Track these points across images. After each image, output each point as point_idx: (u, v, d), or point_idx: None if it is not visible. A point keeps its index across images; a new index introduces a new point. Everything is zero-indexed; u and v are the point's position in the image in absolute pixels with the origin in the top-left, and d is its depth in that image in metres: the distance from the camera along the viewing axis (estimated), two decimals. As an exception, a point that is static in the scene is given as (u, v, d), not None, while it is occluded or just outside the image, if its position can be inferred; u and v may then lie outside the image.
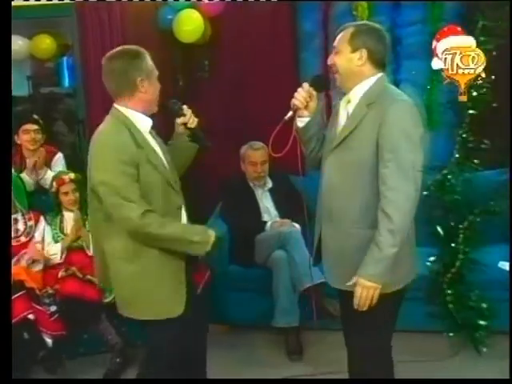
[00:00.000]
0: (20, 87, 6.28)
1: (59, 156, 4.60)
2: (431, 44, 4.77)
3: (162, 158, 2.76)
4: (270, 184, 4.66)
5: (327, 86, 2.94)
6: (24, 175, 4.46)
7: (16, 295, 3.79)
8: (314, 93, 2.78)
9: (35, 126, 4.45)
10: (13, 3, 5.02)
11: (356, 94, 2.66)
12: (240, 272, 4.36)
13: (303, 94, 2.75)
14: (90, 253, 4.08)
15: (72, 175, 4.22)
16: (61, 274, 4.01)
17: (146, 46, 4.74)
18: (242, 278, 4.35)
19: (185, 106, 2.96)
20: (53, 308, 3.90)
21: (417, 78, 4.75)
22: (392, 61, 4.77)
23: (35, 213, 4.27)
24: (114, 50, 2.77)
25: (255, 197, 4.58)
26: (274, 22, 5.00)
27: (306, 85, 2.76)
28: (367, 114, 2.57)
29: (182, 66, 5.10)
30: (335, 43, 2.69)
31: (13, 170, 4.32)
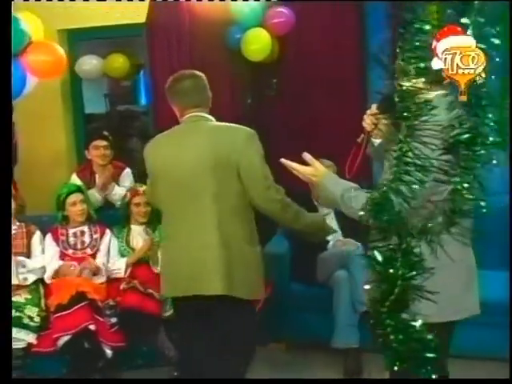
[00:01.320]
0: (97, 105, 6.50)
1: (127, 171, 4.71)
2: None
3: None
4: (334, 202, 4.61)
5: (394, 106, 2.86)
6: (93, 191, 4.59)
7: (78, 306, 3.88)
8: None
9: (104, 142, 4.59)
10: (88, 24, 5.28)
11: None
12: (301, 290, 4.32)
13: (371, 118, 2.68)
14: (155, 269, 4.18)
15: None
16: (122, 286, 4.10)
17: (214, 64, 4.95)
18: (303, 296, 4.31)
19: None
20: (113, 319, 3.98)
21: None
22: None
23: (101, 226, 4.38)
24: (191, 71, 3.24)
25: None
26: (342, 40, 4.96)
27: (373, 107, 2.67)
28: None
29: (250, 84, 5.14)
30: None
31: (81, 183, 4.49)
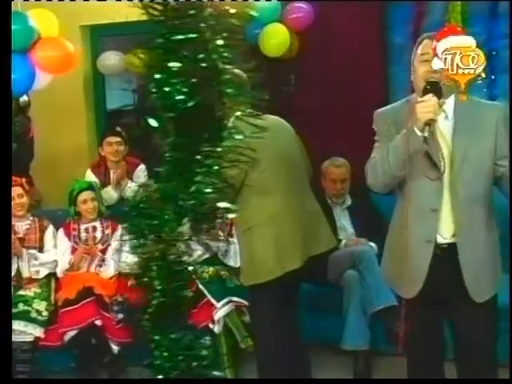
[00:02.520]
0: (124, 100, 6.52)
1: (141, 167, 4.71)
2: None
3: None
4: (349, 201, 4.53)
5: (441, 93, 2.64)
6: (109, 189, 4.61)
7: (85, 301, 3.91)
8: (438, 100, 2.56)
9: (118, 139, 4.60)
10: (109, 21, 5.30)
11: (449, 107, 2.67)
12: (311, 290, 4.24)
13: (436, 106, 2.54)
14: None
15: None
16: (130, 282, 4.10)
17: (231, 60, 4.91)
18: (313, 296, 4.23)
19: None
20: (120, 315, 3.99)
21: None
22: (487, 74, 4.53)
23: (113, 222, 4.39)
24: None
25: (332, 214, 4.45)
26: (363, 35, 4.88)
27: (430, 96, 2.54)
28: (477, 123, 2.63)
29: (268, 80, 5.07)
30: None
31: (97, 181, 4.51)
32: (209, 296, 4.05)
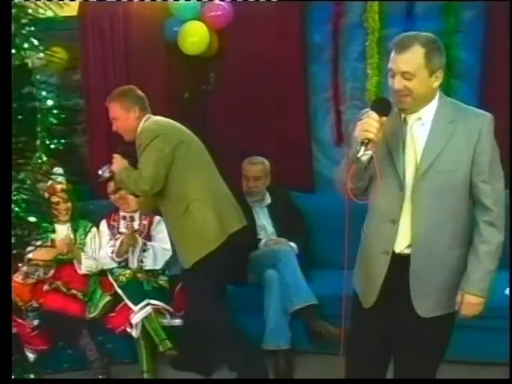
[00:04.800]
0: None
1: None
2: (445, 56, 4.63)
3: None
4: (268, 200, 4.52)
5: (390, 110, 2.49)
6: None
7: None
8: (384, 119, 2.44)
9: None
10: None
11: (428, 113, 2.51)
12: (233, 291, 4.21)
13: (376, 125, 2.39)
14: (80, 269, 4.13)
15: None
16: (45, 287, 3.99)
17: (150, 58, 4.83)
18: (236, 297, 4.20)
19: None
20: (36, 322, 3.87)
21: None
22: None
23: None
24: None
25: (252, 213, 4.44)
26: (282, 33, 4.86)
27: (373, 113, 2.42)
28: (454, 133, 2.48)
29: (188, 78, 5.02)
30: (403, 67, 2.39)
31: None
32: (126, 299, 3.97)
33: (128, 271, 4.12)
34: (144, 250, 4.22)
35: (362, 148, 2.37)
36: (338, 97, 4.93)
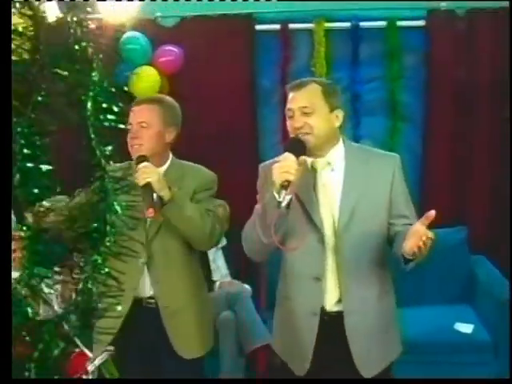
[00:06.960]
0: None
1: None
2: (390, 100, 4.80)
3: None
4: (224, 242, 4.55)
5: (305, 149, 2.40)
6: None
7: None
8: (301, 158, 2.34)
9: None
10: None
11: (336, 157, 2.46)
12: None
13: (294, 166, 2.25)
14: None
15: None
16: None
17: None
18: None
19: None
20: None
21: (376, 134, 4.77)
22: (351, 117, 4.74)
23: None
24: None
25: (206, 254, 4.45)
26: (233, 78, 4.96)
27: (289, 155, 2.29)
28: (369, 176, 2.44)
29: (140, 123, 5.04)
30: (301, 102, 2.38)
31: None
32: (81, 346, 3.90)
33: None
34: None
35: (283, 192, 2.22)
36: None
